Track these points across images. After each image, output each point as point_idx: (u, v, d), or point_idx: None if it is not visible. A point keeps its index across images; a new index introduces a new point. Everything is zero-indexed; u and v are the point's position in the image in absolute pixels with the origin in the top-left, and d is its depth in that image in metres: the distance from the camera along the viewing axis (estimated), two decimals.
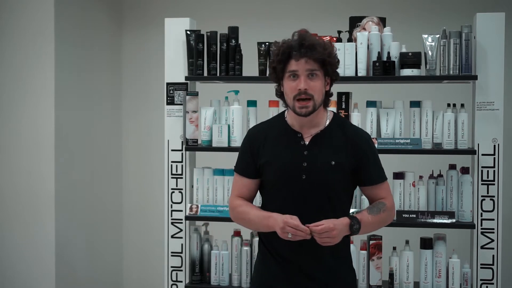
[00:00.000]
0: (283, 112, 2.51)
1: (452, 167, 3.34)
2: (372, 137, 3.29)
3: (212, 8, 4.87)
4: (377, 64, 3.26)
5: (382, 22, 3.45)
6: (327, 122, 2.43)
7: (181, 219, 3.46)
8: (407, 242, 3.36)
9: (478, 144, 3.26)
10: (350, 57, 3.29)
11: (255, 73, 3.40)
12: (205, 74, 3.44)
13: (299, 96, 2.32)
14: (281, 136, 2.43)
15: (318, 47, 2.32)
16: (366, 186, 2.45)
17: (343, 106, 3.33)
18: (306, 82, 2.31)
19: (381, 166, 2.47)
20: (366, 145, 2.44)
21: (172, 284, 3.48)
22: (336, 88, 3.44)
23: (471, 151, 3.27)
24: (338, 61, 2.43)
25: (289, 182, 2.37)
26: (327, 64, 2.34)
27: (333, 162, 2.36)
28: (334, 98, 3.31)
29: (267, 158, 2.41)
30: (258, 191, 2.53)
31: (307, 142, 2.39)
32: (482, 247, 3.27)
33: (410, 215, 3.27)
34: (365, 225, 2.36)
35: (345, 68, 3.29)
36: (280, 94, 2.44)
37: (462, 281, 3.29)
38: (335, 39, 3.35)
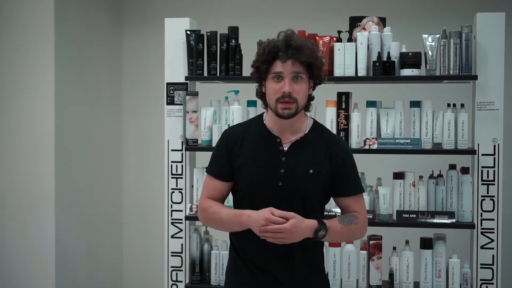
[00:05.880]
0: (261, 114, 2.41)
1: (452, 167, 3.34)
2: (372, 137, 3.30)
3: (212, 8, 4.87)
4: (377, 64, 3.25)
5: (382, 22, 3.45)
6: (307, 129, 2.36)
7: (181, 219, 3.46)
8: (407, 242, 3.36)
9: (478, 144, 3.25)
10: (350, 57, 3.29)
11: None
12: (205, 74, 3.43)
13: (283, 99, 2.24)
14: (259, 139, 2.34)
15: (306, 50, 2.23)
16: (341, 197, 2.37)
17: (343, 106, 3.32)
18: (290, 85, 2.23)
19: (358, 178, 2.40)
20: (345, 155, 2.37)
21: (172, 284, 3.48)
22: (336, 88, 3.47)
23: (471, 151, 3.27)
24: (324, 64, 2.34)
25: (264, 188, 2.29)
26: (313, 68, 2.26)
27: (311, 171, 2.29)
28: (333, 98, 3.32)
29: (243, 161, 2.32)
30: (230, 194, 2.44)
31: (286, 148, 2.31)
32: (482, 247, 3.27)
33: (410, 215, 3.27)
34: (332, 233, 2.28)
35: (345, 68, 3.29)
36: (260, 94, 2.35)
37: (462, 281, 3.29)
38: (335, 39, 3.35)
